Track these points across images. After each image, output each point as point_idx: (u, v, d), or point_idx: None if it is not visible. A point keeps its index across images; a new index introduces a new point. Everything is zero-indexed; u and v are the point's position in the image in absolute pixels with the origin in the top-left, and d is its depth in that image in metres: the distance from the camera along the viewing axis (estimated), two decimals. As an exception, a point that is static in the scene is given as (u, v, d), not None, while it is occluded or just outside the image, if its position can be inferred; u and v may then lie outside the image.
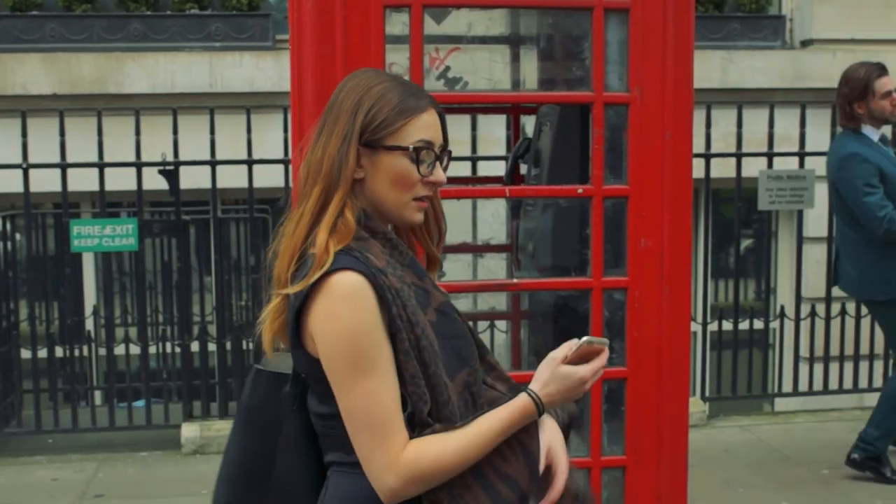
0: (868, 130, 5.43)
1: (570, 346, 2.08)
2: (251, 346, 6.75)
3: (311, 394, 2.13)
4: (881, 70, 5.39)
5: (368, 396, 1.96)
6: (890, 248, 5.38)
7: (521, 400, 2.06)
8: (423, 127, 2.10)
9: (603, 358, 2.11)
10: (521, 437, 2.08)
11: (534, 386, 2.07)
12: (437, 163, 2.13)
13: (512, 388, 2.20)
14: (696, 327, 7.13)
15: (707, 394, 7.16)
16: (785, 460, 6.14)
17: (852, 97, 5.40)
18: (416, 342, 1.99)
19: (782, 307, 7.33)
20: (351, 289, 1.97)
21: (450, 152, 2.19)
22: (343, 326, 1.96)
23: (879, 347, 6.84)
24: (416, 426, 2.00)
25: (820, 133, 6.96)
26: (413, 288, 2.06)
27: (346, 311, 1.96)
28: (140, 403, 6.84)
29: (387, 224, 2.16)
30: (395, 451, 1.97)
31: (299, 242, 2.07)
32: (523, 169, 3.85)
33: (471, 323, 2.30)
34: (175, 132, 6.30)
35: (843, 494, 5.58)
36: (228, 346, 6.71)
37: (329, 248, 2.00)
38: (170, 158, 6.34)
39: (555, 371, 2.07)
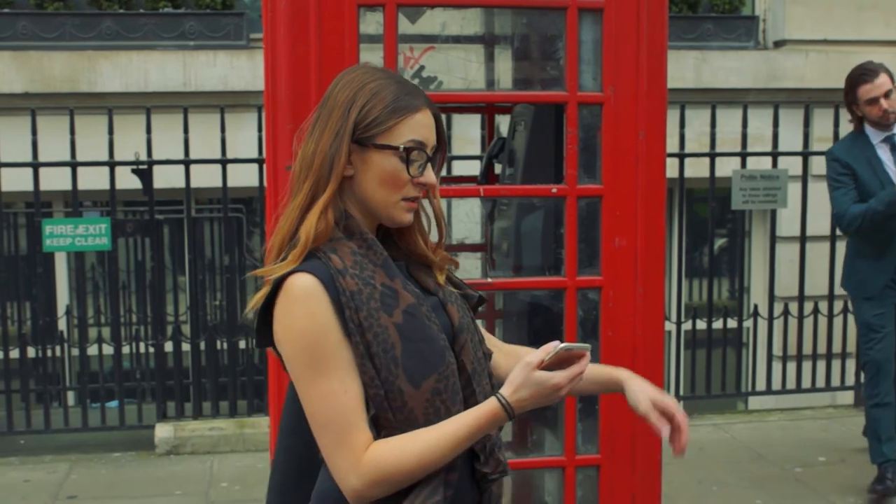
0: (871, 132, 5.37)
1: (546, 351, 2.02)
2: (226, 345, 6.73)
3: None
4: (868, 75, 5.25)
5: (327, 397, 1.95)
6: (862, 245, 5.43)
7: (490, 404, 2.00)
8: (416, 127, 2.06)
9: (583, 364, 2.04)
10: None
11: (505, 390, 2.00)
12: (429, 164, 2.10)
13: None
14: (670, 326, 7.15)
15: (681, 392, 7.19)
16: (758, 458, 6.18)
17: (846, 100, 5.41)
18: (367, 347, 1.97)
19: (755, 306, 7.37)
20: (304, 291, 1.96)
21: (444, 153, 2.17)
22: (298, 328, 1.96)
23: (852, 346, 6.89)
24: (382, 428, 1.99)
25: (793, 133, 7.01)
26: (381, 289, 2.01)
27: (299, 313, 1.96)
28: (113, 404, 6.81)
29: (375, 223, 2.13)
30: (356, 452, 1.95)
31: (286, 238, 2.05)
32: (498, 168, 3.85)
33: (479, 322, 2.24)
34: (148, 131, 6.28)
35: (817, 492, 5.61)
36: (203, 345, 6.70)
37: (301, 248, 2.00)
38: (143, 157, 6.32)
39: (528, 376, 1.99)
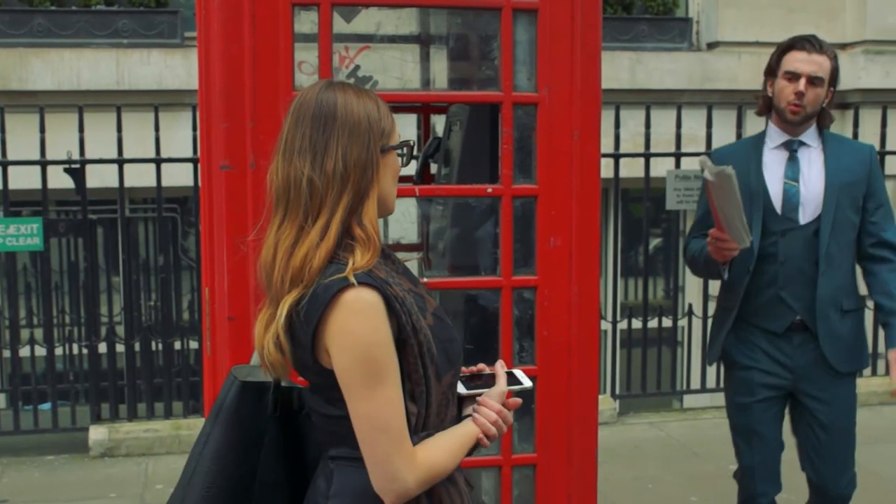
0: (772, 131, 3.98)
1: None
2: (160, 346, 6.67)
3: (317, 397, 2.20)
4: (806, 45, 3.87)
5: (386, 403, 2.07)
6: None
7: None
8: (396, 123, 2.26)
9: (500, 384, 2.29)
10: None
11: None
12: None
13: None
14: (605, 326, 7.20)
15: (617, 391, 7.25)
16: (693, 456, 6.25)
17: (766, 70, 4.04)
18: (419, 347, 2.11)
19: (690, 305, 7.45)
20: (366, 304, 2.05)
21: None
22: (361, 341, 2.05)
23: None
24: (413, 433, 2.13)
25: (726, 133, 7.08)
26: (411, 294, 2.16)
27: (363, 327, 2.05)
28: (46, 406, 6.71)
29: (382, 215, 2.28)
30: (412, 455, 2.10)
31: (332, 248, 2.10)
32: (433, 168, 3.85)
33: None
34: (81, 130, 6.19)
35: (749, 488, 5.68)
36: (137, 346, 6.63)
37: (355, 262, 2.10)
38: (75, 156, 6.23)
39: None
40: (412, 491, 2.10)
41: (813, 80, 3.83)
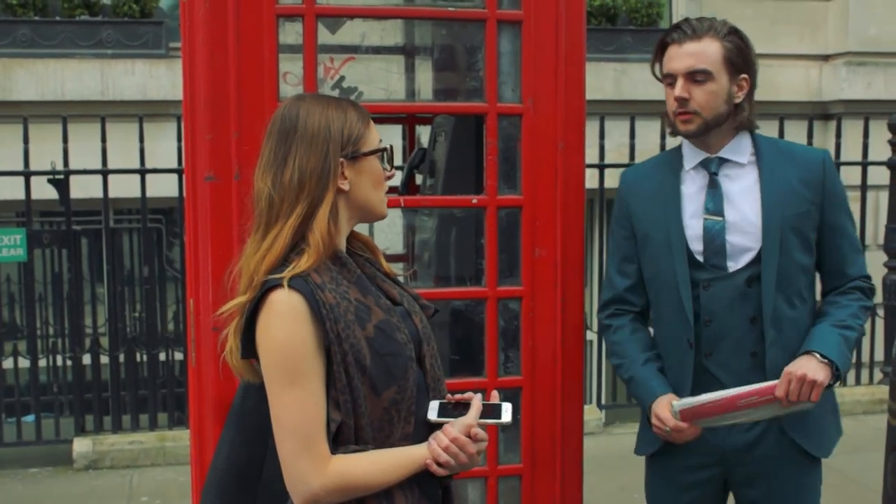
0: (686, 147, 3.08)
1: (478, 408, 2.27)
2: (145, 357, 6.64)
3: None
4: (677, 35, 2.95)
5: (296, 406, 2.11)
6: None
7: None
8: (374, 130, 2.29)
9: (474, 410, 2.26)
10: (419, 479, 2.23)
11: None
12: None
13: None
14: (591, 336, 7.22)
15: (603, 401, 7.25)
16: (678, 465, 6.24)
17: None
18: (343, 357, 2.12)
19: (675, 315, 7.44)
20: (286, 307, 2.11)
21: None
22: (279, 342, 2.11)
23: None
24: (341, 434, 2.14)
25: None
26: (355, 304, 2.18)
27: (281, 328, 2.11)
28: (30, 418, 6.66)
29: (370, 220, 2.40)
30: (321, 459, 2.11)
31: (280, 255, 2.17)
32: (419, 179, 3.85)
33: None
34: (65, 140, 6.17)
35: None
36: (122, 358, 6.60)
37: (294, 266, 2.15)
38: (60, 167, 6.22)
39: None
40: (319, 496, 2.12)
41: (695, 77, 2.90)
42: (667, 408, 2.92)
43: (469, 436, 2.20)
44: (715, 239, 2.96)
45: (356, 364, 2.13)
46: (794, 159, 3.01)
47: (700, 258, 2.97)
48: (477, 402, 2.27)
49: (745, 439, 3.00)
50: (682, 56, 2.91)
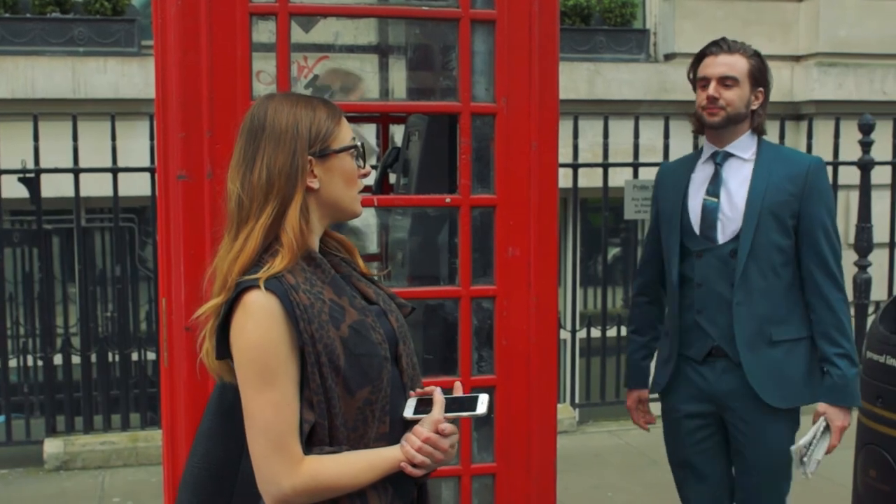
0: (705, 144, 3.79)
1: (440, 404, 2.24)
2: (117, 357, 6.61)
3: None
4: (714, 48, 3.74)
5: (269, 406, 2.11)
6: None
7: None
8: (346, 127, 2.28)
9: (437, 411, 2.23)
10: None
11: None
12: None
13: None
14: (565, 335, 7.23)
15: (577, 400, 7.27)
16: (652, 464, 6.26)
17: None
18: (317, 357, 2.12)
19: (648, 314, 7.47)
20: (259, 308, 2.11)
21: None
22: (252, 342, 2.11)
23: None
24: (315, 435, 2.14)
25: (683, 144, 7.11)
26: (329, 304, 2.18)
27: (254, 329, 2.11)
28: (0, 419, 6.63)
29: (342, 219, 2.36)
30: (292, 460, 2.11)
31: (253, 255, 2.17)
32: (392, 178, 3.85)
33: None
34: (36, 139, 6.12)
35: (707, 496, 5.71)
36: (94, 358, 6.56)
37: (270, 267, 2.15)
38: (30, 166, 6.17)
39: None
40: (289, 497, 2.12)
41: (725, 82, 3.62)
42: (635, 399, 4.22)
43: (438, 432, 2.19)
44: (709, 216, 3.66)
45: (330, 364, 2.13)
46: (786, 160, 3.68)
47: (697, 231, 3.67)
48: (438, 396, 2.24)
49: (721, 387, 3.68)
50: (717, 64, 3.66)
